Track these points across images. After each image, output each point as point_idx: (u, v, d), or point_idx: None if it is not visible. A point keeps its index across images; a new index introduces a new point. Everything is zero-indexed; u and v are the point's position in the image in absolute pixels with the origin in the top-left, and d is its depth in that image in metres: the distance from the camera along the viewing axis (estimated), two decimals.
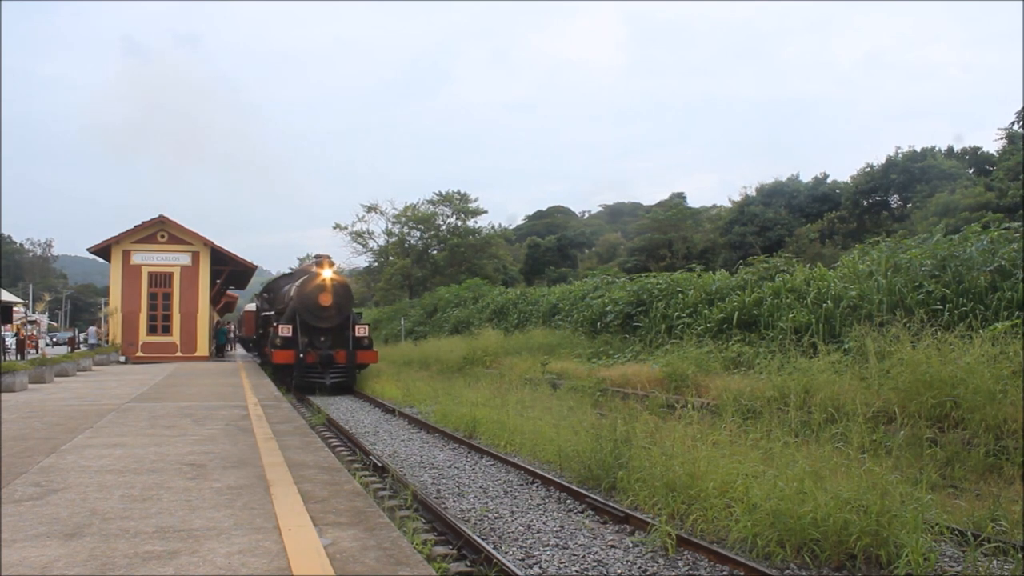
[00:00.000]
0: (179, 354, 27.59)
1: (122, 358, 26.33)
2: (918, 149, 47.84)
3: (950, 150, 50.41)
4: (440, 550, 6.00)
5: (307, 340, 20.74)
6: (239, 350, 44.29)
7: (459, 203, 52.81)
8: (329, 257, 22.42)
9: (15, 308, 39.87)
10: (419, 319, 39.51)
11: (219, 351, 33.81)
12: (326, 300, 20.88)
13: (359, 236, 53.70)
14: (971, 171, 46.10)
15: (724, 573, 5.41)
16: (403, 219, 52.60)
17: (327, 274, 21.15)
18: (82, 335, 31.13)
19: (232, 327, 47.96)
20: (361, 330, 21.53)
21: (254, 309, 50.77)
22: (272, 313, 24.46)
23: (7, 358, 25.02)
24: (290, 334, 20.61)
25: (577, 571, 5.54)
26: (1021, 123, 41.04)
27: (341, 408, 17.22)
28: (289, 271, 31.66)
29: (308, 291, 21.05)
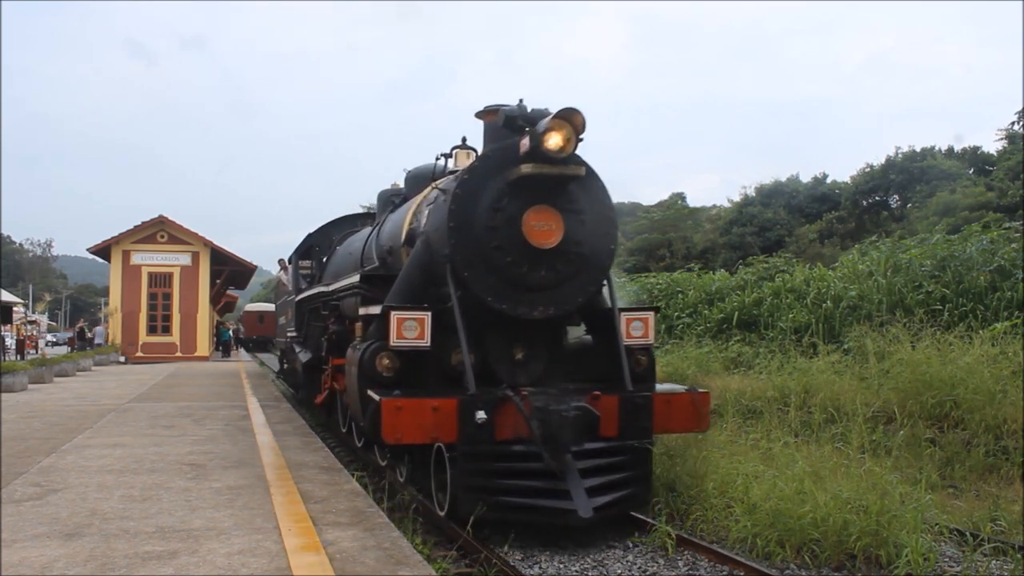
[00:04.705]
0: (179, 354, 27.59)
1: (122, 358, 26.32)
2: (918, 149, 47.89)
3: (950, 150, 50.43)
4: (440, 551, 5.98)
5: (478, 356, 6.24)
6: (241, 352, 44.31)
7: None
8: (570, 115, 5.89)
9: (15, 308, 39.88)
10: None
11: (226, 350, 33.78)
12: (549, 231, 6.06)
13: None
14: (971, 171, 46.11)
15: (724, 573, 5.41)
16: None
17: (553, 142, 5.74)
18: (88, 334, 31.03)
19: (237, 327, 47.96)
20: (639, 324, 6.75)
21: (257, 310, 50.61)
22: (333, 291, 8.90)
23: (7, 358, 25.03)
24: (424, 339, 6.01)
25: (577, 571, 5.53)
26: (1021, 123, 41.05)
27: None
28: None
29: (489, 203, 6.14)
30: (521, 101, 6.41)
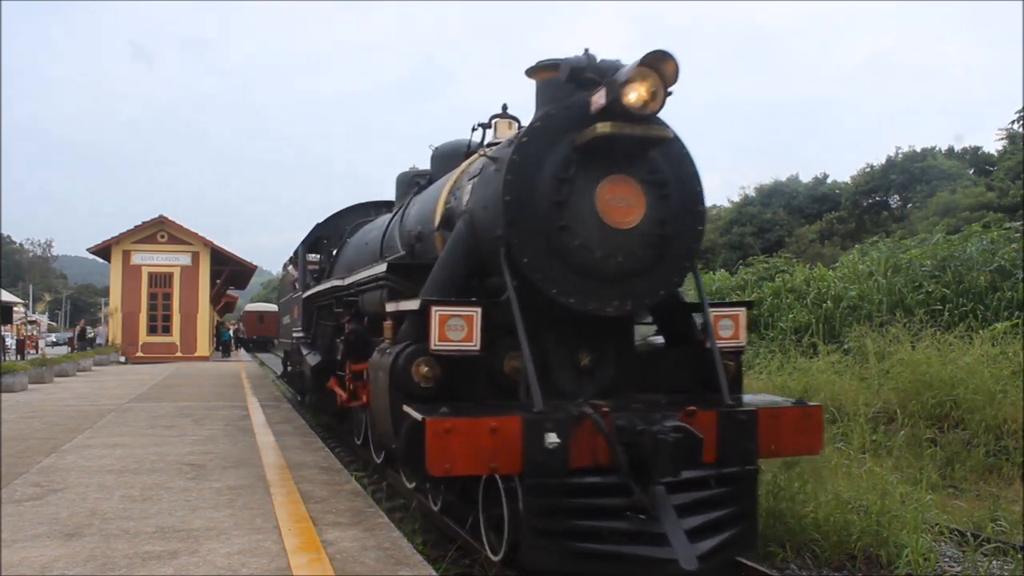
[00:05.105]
0: (179, 354, 27.59)
1: (122, 358, 26.34)
2: (918, 149, 47.95)
3: (950, 150, 50.45)
4: (438, 551, 5.99)
5: (535, 362, 4.67)
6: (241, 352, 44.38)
7: None
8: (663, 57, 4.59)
9: (15, 308, 39.91)
10: None
11: (226, 350, 33.79)
12: (628, 207, 4.95)
13: None
14: (971, 171, 46.14)
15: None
16: None
17: (636, 95, 4.63)
18: (90, 334, 31.15)
19: (239, 326, 48.03)
20: (728, 322, 5.63)
21: (257, 310, 50.61)
22: (350, 284, 7.67)
23: (7, 358, 25.04)
24: (472, 341, 4.82)
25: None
26: (1021, 123, 41.06)
27: None
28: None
29: (554, 173, 4.92)
30: (587, 50, 5.21)
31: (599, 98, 4.75)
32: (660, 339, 5.92)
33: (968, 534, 5.75)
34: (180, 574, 3.59)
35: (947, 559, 5.64)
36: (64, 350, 31.00)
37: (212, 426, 8.89)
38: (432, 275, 5.40)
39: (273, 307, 47.60)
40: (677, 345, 5.70)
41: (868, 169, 48.49)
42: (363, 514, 4.75)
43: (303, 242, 12.62)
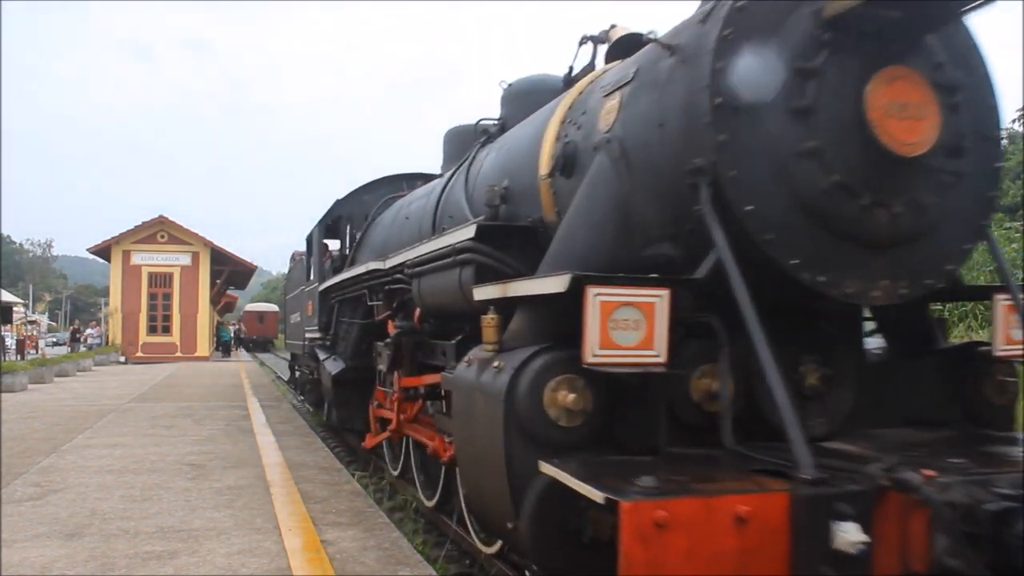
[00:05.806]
0: (179, 354, 27.60)
1: (122, 358, 26.34)
2: None
3: None
4: (438, 551, 5.99)
5: (738, 379, 2.86)
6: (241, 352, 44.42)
7: None
8: None
9: (15, 308, 39.91)
10: None
11: (226, 350, 33.84)
12: (915, 122, 2.75)
13: None
14: None
15: None
16: None
17: None
18: (79, 335, 31.37)
19: (239, 327, 48.05)
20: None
21: (257, 310, 50.53)
22: (396, 267, 5.60)
23: (7, 358, 25.05)
24: (653, 348, 2.73)
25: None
26: (1021, 123, 41.08)
27: None
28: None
29: (788, 62, 2.82)
30: None
31: None
32: (877, 341, 3.83)
33: None
34: (180, 574, 3.59)
35: None
36: (64, 350, 31.06)
37: (212, 426, 8.90)
38: (559, 241, 3.43)
39: (273, 307, 47.61)
40: (912, 352, 3.64)
41: None
42: (363, 514, 4.76)
43: (319, 223, 10.41)
